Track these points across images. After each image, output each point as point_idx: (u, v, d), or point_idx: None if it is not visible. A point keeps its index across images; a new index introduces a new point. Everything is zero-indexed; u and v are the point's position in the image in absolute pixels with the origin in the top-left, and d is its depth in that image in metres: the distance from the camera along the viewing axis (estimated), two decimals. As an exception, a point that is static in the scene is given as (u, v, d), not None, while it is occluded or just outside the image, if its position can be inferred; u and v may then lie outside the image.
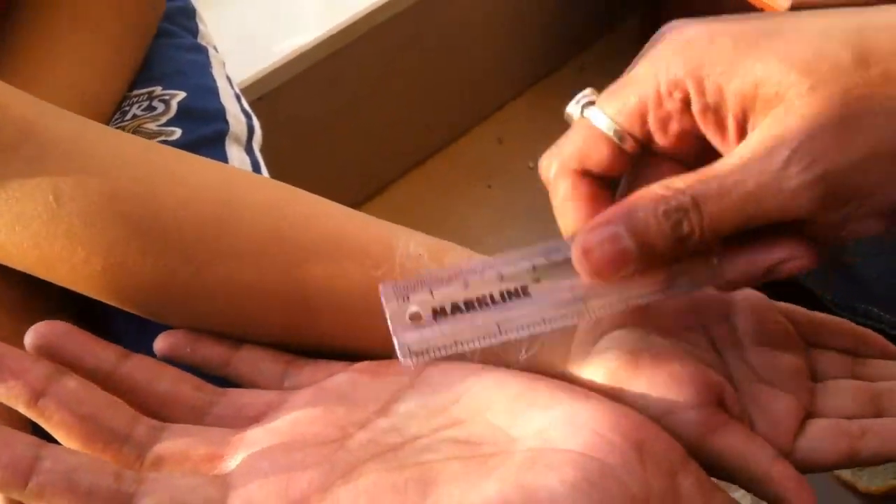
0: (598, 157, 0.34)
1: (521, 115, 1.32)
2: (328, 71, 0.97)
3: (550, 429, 0.30)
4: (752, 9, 1.02)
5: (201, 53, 0.60)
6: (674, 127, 0.33)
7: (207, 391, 0.33)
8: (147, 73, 0.54)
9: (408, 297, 0.31)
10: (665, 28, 0.33)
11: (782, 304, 0.37)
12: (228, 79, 0.61)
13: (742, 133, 0.32)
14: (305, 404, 0.32)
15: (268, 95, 0.91)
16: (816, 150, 0.30)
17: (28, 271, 0.35)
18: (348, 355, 0.35)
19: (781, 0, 0.97)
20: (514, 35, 1.25)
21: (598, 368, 0.33)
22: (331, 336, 0.35)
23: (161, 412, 0.32)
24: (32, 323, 0.38)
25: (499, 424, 0.31)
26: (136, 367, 0.33)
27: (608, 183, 0.35)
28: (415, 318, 0.31)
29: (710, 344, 0.35)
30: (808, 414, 0.34)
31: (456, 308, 0.31)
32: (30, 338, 0.32)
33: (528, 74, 1.34)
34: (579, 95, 0.35)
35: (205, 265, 0.33)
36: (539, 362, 0.34)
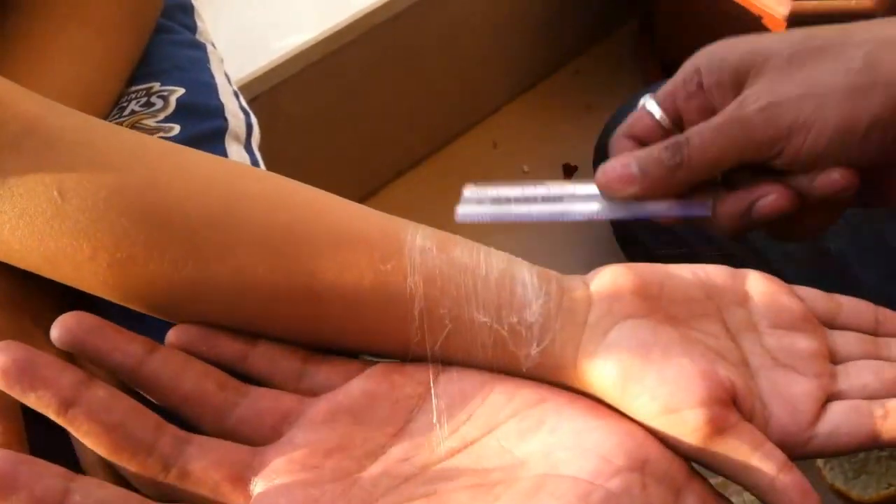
0: (641, 126, 0.48)
1: (517, 118, 1.31)
2: (325, 71, 0.96)
3: (557, 450, 0.31)
4: (748, 16, 1.02)
5: (199, 50, 0.60)
6: (694, 103, 0.45)
7: (230, 389, 0.33)
8: (145, 68, 0.54)
9: (481, 191, 0.45)
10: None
11: (799, 287, 0.37)
12: (227, 76, 0.60)
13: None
14: (321, 425, 0.32)
15: (265, 94, 0.90)
16: (766, 88, 0.42)
17: (32, 270, 0.34)
18: (361, 350, 0.35)
19: (780, 8, 0.97)
20: (510, 39, 1.25)
21: (608, 363, 0.33)
22: (341, 331, 0.34)
23: (185, 411, 0.33)
24: (31, 317, 0.37)
25: (507, 447, 0.32)
26: (162, 364, 0.33)
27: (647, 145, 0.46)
28: (480, 201, 0.45)
29: (725, 330, 0.35)
30: (829, 397, 0.34)
31: (508, 200, 0.45)
32: (56, 332, 0.32)
33: (524, 78, 1.34)
34: (645, 97, 0.49)
35: (213, 258, 0.33)
36: (551, 355, 0.34)
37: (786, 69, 0.42)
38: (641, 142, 0.47)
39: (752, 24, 1.02)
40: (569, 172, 1.21)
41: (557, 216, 0.45)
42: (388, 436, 0.32)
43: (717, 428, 0.31)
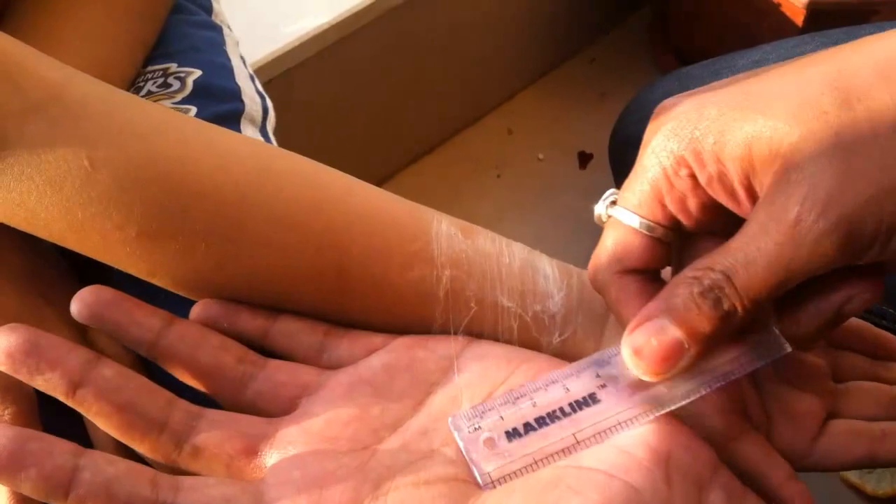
0: (636, 253, 0.33)
1: (532, 105, 1.31)
2: (339, 55, 0.96)
3: None
4: (764, 3, 1.01)
5: (216, 31, 0.59)
6: (691, 203, 0.32)
7: (248, 362, 0.33)
8: (162, 48, 0.53)
9: (479, 426, 0.31)
10: (657, 109, 0.33)
11: None
12: (242, 59, 0.60)
13: (752, 195, 0.31)
14: (340, 397, 0.32)
15: (278, 78, 0.89)
16: (823, 197, 0.29)
17: (56, 240, 0.33)
18: (385, 328, 0.34)
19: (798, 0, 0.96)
20: (525, 25, 1.25)
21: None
22: (367, 308, 0.34)
23: (202, 383, 0.33)
24: (42, 296, 0.37)
25: None
26: (180, 337, 0.32)
27: (656, 275, 0.35)
28: (488, 443, 0.31)
29: None
30: (830, 414, 0.35)
31: (529, 427, 0.31)
32: (75, 306, 0.32)
33: (539, 65, 1.33)
34: (604, 196, 0.34)
35: (241, 232, 0.32)
36: (573, 345, 0.34)
37: (828, 160, 0.29)
38: (641, 271, 0.35)
39: (769, 11, 1.01)
40: (584, 160, 1.21)
41: (608, 427, 0.31)
42: (408, 408, 0.32)
43: (732, 435, 0.32)
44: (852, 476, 0.91)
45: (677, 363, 0.31)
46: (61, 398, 0.30)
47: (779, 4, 0.99)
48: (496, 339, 0.34)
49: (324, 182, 0.34)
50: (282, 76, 0.90)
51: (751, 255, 0.30)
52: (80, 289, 0.32)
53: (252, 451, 0.30)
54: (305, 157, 0.36)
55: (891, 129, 0.28)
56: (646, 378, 0.31)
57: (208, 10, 0.61)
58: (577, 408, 0.31)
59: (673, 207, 0.33)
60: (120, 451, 0.32)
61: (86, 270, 0.35)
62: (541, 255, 0.36)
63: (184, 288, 0.34)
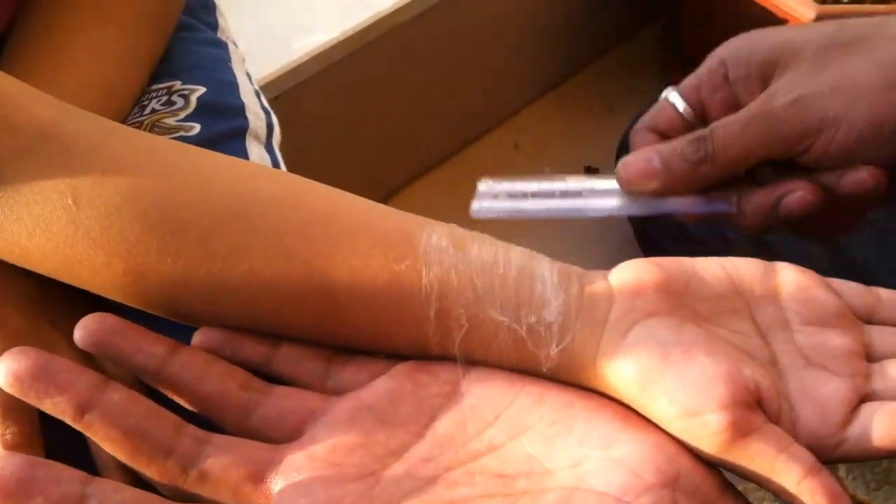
0: (664, 118, 0.47)
1: (538, 120, 1.31)
2: (347, 71, 0.96)
3: (585, 462, 0.30)
4: (773, 20, 1.01)
5: (221, 48, 0.59)
6: (718, 95, 0.45)
7: (253, 389, 0.33)
8: (166, 66, 0.53)
9: (495, 186, 0.44)
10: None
11: (835, 280, 0.36)
12: (248, 75, 0.60)
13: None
14: (345, 424, 0.32)
15: (286, 93, 0.90)
16: (795, 81, 0.41)
17: (51, 276, 0.34)
18: (380, 350, 0.35)
19: (806, 11, 0.96)
20: (532, 40, 1.25)
21: (626, 364, 0.32)
22: (358, 332, 0.34)
23: (208, 411, 0.33)
24: (49, 318, 0.37)
25: (534, 454, 0.31)
26: (185, 365, 0.33)
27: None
28: (496, 196, 0.44)
29: (755, 327, 0.34)
30: (863, 398, 0.32)
31: (525, 195, 0.44)
32: (79, 334, 0.32)
33: (546, 80, 1.33)
34: (667, 89, 0.48)
35: (227, 261, 0.33)
36: (571, 354, 0.33)
37: (816, 62, 0.41)
38: (664, 135, 0.47)
39: (779, 24, 1.01)
40: (590, 174, 1.21)
41: (575, 212, 0.44)
42: (412, 434, 0.32)
43: (740, 432, 0.30)
44: (859, 492, 0.90)
45: (647, 183, 0.43)
46: (69, 422, 0.30)
47: (785, 20, 0.99)
48: (491, 356, 0.34)
49: (308, 204, 0.34)
50: (290, 91, 0.90)
51: (733, 119, 0.42)
52: (87, 310, 0.33)
53: (259, 477, 0.30)
54: (299, 174, 0.36)
55: (863, 48, 0.40)
56: (622, 185, 0.44)
57: (213, 27, 0.62)
58: (565, 196, 0.44)
59: (705, 95, 0.45)
60: (124, 472, 0.32)
61: (99, 296, 0.35)
62: (541, 258, 0.35)
63: (177, 317, 0.35)
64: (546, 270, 0.34)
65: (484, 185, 0.44)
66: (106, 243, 0.32)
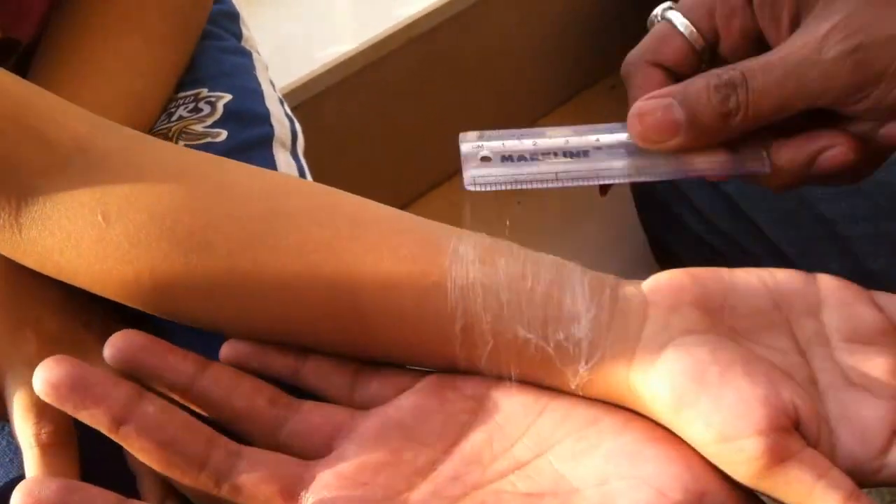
0: (671, 48, 0.38)
1: (553, 131, 1.31)
2: (365, 81, 0.97)
3: (612, 479, 0.30)
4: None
5: (245, 56, 0.60)
6: (735, 23, 0.36)
7: (281, 405, 0.33)
8: (193, 74, 0.54)
9: (482, 146, 0.36)
10: None
11: (880, 294, 0.34)
12: (272, 83, 0.61)
13: (793, 26, 0.35)
14: (371, 441, 0.32)
15: (307, 103, 0.91)
16: (854, 24, 0.33)
17: (84, 288, 0.35)
18: (410, 364, 0.35)
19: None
20: (547, 52, 1.25)
21: (661, 385, 0.31)
22: (388, 346, 0.34)
23: (237, 427, 0.33)
24: (83, 322, 0.38)
25: (561, 471, 0.31)
26: (214, 381, 0.33)
27: (679, 80, 0.37)
28: (485, 160, 0.36)
29: (794, 344, 0.32)
30: None
31: (522, 157, 0.36)
32: (108, 351, 0.32)
33: (561, 92, 1.34)
34: (662, 5, 0.39)
35: (254, 278, 0.33)
36: (601, 371, 0.32)
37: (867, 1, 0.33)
38: (669, 70, 0.38)
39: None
40: (604, 187, 1.21)
41: (585, 177, 0.36)
42: (439, 452, 0.32)
43: (776, 457, 0.28)
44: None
45: (669, 139, 0.35)
46: (105, 432, 0.30)
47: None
48: (517, 371, 0.33)
49: (335, 218, 0.34)
50: (312, 100, 0.91)
51: (772, 63, 0.34)
52: (119, 315, 0.33)
53: (290, 493, 0.30)
54: (321, 184, 0.36)
55: None
56: (637, 141, 0.36)
57: (238, 36, 0.62)
58: (569, 155, 0.36)
59: (719, 21, 0.37)
60: (158, 478, 0.33)
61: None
62: (573, 269, 0.33)
63: (210, 329, 0.35)
64: (577, 283, 0.33)
65: (467, 146, 0.36)
66: (135, 259, 0.33)
